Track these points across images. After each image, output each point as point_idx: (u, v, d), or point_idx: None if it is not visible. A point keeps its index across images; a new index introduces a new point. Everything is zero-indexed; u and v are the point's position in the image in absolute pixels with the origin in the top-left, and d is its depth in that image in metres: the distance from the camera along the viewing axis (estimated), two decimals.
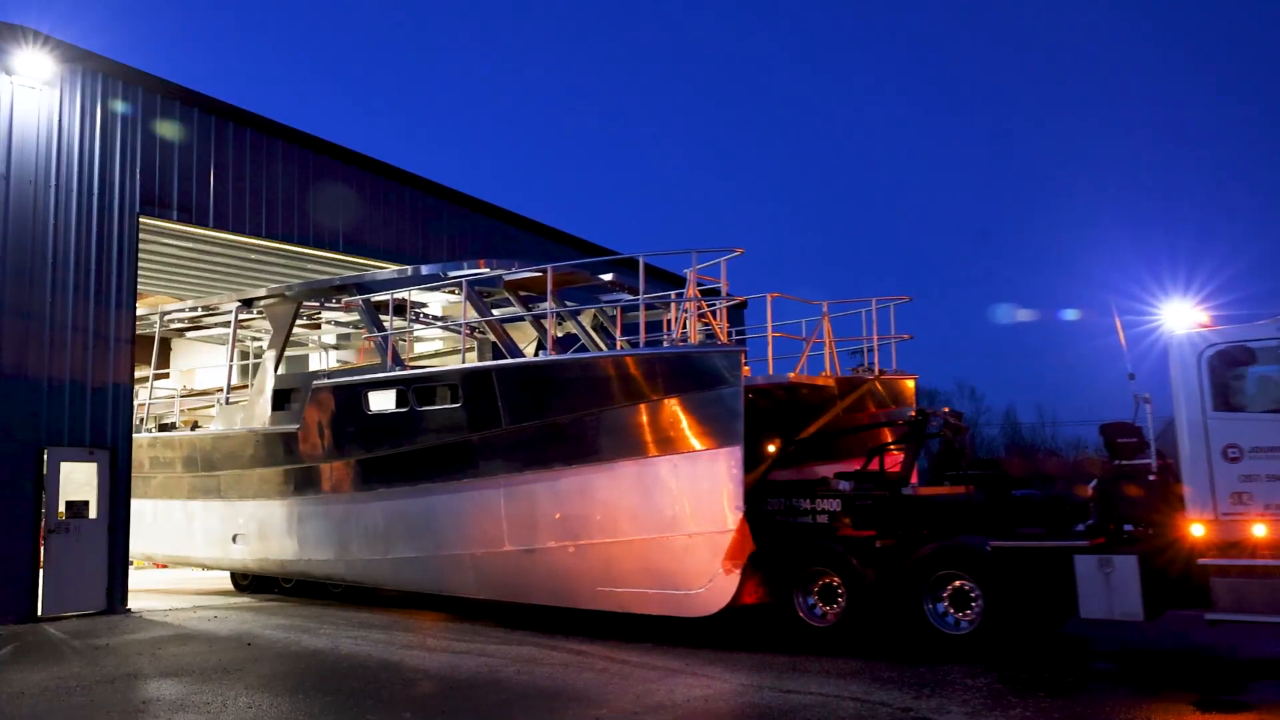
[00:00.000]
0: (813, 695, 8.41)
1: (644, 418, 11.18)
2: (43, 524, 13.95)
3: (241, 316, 18.19)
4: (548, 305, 13.44)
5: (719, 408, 10.69)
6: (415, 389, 13.24)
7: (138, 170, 15.45)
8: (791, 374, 12.58)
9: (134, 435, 17.99)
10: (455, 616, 14.02)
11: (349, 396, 14.04)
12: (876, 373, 13.36)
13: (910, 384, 13.99)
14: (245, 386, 23.05)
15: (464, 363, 13.39)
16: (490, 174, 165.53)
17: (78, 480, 14.51)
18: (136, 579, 17.72)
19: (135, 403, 20.13)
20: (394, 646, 11.40)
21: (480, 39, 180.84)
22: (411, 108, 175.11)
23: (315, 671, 9.94)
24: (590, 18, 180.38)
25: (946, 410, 12.79)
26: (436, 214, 20.56)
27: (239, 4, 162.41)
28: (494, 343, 18.98)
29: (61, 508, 14.24)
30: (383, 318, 15.00)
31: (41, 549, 13.90)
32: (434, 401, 13.18)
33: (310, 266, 19.28)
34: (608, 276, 15.62)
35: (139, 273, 15.74)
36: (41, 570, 13.89)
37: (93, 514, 14.55)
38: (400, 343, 20.02)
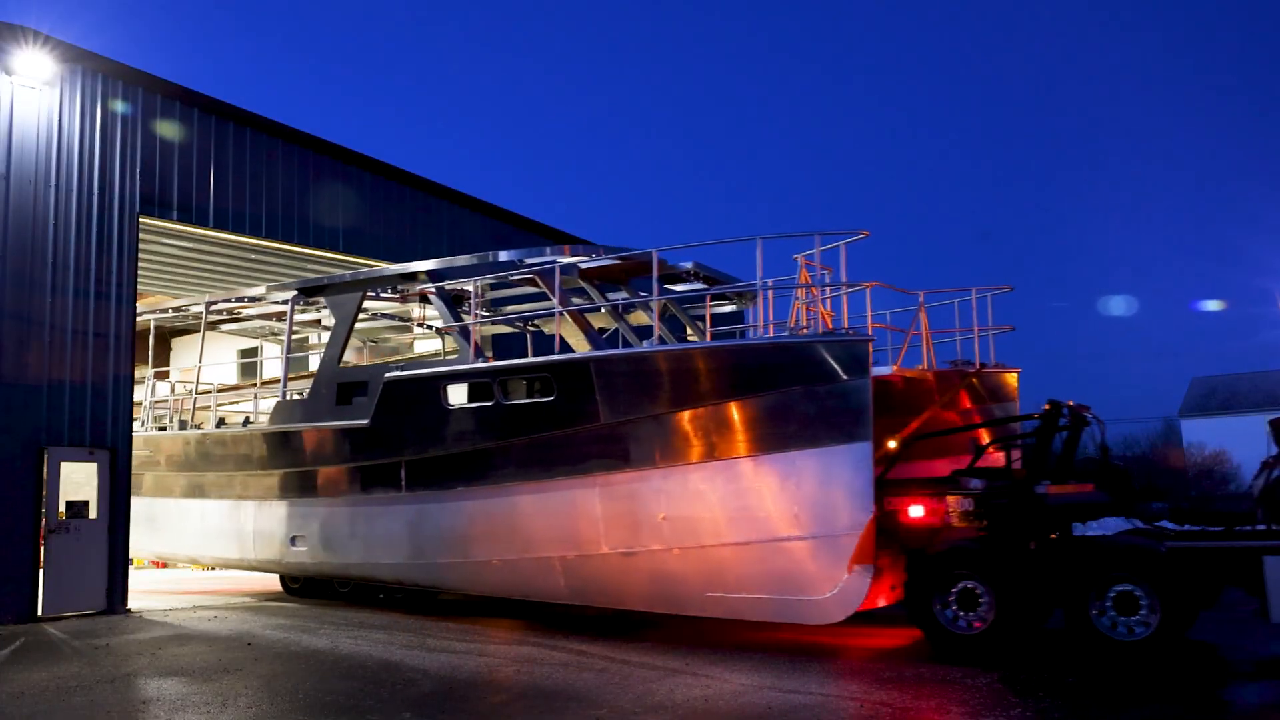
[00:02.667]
0: (813, 695, 8.40)
1: (762, 412, 10.41)
2: (43, 524, 13.95)
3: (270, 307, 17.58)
4: (651, 292, 12.19)
5: (845, 401, 9.99)
6: (501, 381, 12.38)
7: (138, 170, 15.45)
8: (894, 366, 11.81)
9: (179, 432, 17.59)
10: (455, 616, 14.01)
11: (426, 390, 13.15)
12: (976, 366, 12.57)
13: (1013, 378, 13.20)
14: (275, 381, 22.94)
15: (558, 352, 12.39)
16: (490, 174, 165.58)
17: (77, 480, 14.51)
18: (136, 579, 17.70)
19: (173, 397, 19.95)
20: (394, 646, 11.39)
21: (482, 39, 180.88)
22: (412, 108, 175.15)
23: (315, 671, 9.93)
24: (594, 17, 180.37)
25: (1073, 404, 11.65)
26: (436, 214, 20.57)
27: (239, 4, 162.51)
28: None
29: (61, 508, 14.24)
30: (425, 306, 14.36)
31: (41, 549, 13.91)
32: (522, 395, 12.38)
33: (310, 266, 19.28)
34: (688, 265, 14.68)
35: (139, 273, 15.74)
36: (41, 570, 13.89)
37: (93, 514, 14.55)
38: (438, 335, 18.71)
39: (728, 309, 17.50)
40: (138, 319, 19.01)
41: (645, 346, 11.86)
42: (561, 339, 17.09)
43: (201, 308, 18.23)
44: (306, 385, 21.59)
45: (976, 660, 9.71)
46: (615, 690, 8.73)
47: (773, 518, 10.40)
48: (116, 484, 14.81)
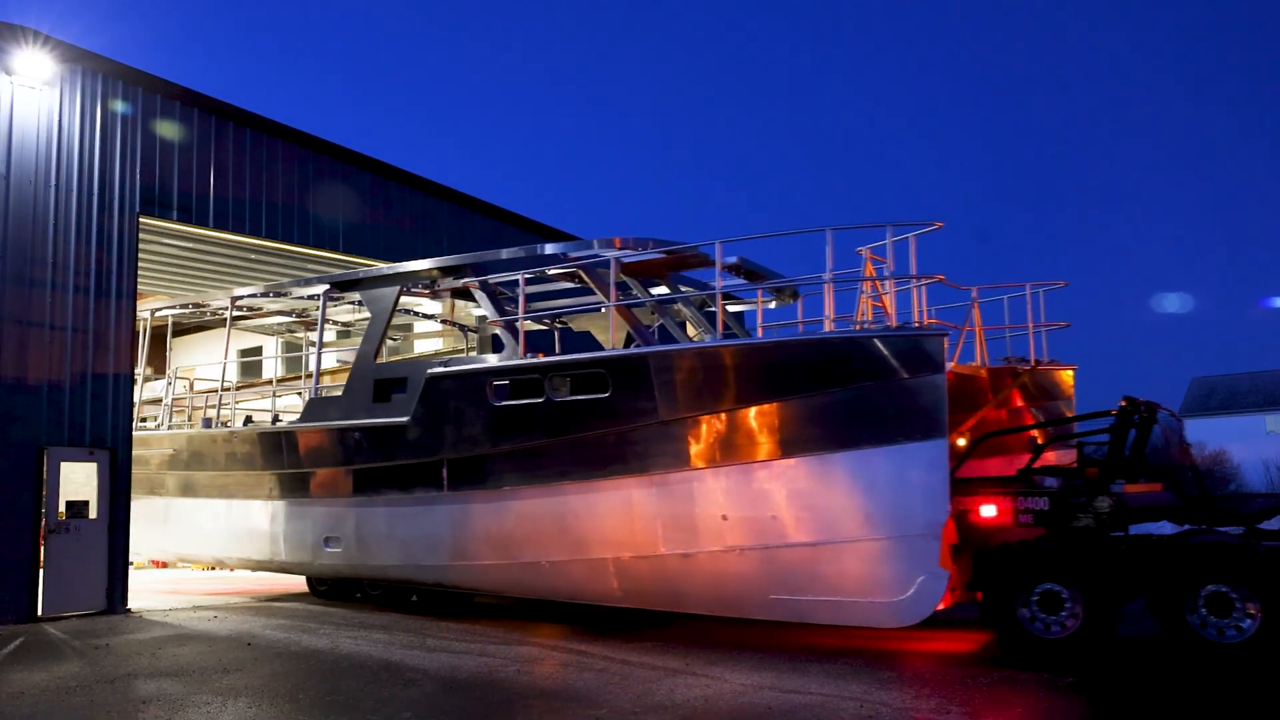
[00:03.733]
0: (813, 695, 8.40)
1: (832, 408, 10.05)
2: (43, 524, 13.95)
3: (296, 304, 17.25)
4: (718, 288, 11.66)
5: (921, 397, 9.67)
6: (552, 378, 11.93)
7: (138, 170, 15.45)
8: (951, 363, 11.38)
9: (206, 430, 17.00)
10: (455, 617, 14.01)
11: (471, 386, 12.66)
12: (1031, 363, 12.18)
13: (1069, 375, 12.83)
14: (295, 378, 22.69)
15: (614, 348, 11.97)
16: (491, 174, 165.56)
17: (77, 480, 14.51)
18: (136, 579, 17.69)
19: (192, 395, 19.56)
20: (394, 646, 11.39)
21: (483, 39, 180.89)
22: (412, 108, 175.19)
23: (315, 671, 9.93)
24: (594, 19, 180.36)
25: (1146, 402, 11.28)
26: (436, 214, 20.56)
27: (239, 4, 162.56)
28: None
29: (61, 508, 14.24)
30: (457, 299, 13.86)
31: (41, 549, 13.91)
32: (575, 391, 11.91)
33: (310, 266, 19.29)
34: (733, 259, 14.11)
35: (139, 272, 15.74)
36: (41, 570, 13.89)
37: (93, 514, 14.54)
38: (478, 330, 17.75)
39: (747, 307, 17.02)
40: (156, 315, 19.02)
41: (707, 341, 11.50)
42: (591, 335, 16.77)
43: (226, 302, 17.67)
44: (305, 385, 21.53)
45: (1062, 666, 9.42)
46: (615, 690, 8.73)
47: (843, 518, 10.07)
48: (116, 484, 14.80)
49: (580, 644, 11.36)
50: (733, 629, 11.88)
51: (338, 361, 22.57)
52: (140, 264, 15.87)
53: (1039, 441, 11.65)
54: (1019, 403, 12.42)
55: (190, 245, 17.61)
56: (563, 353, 12.39)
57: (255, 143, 17.09)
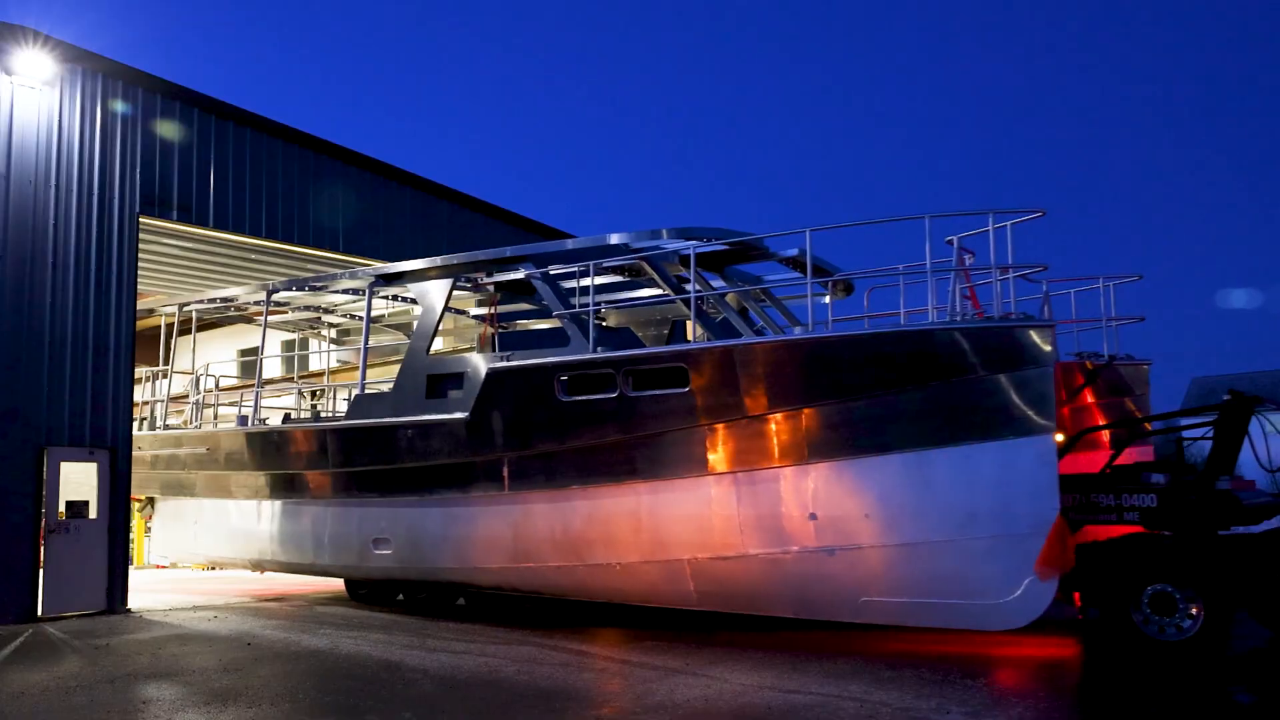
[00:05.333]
0: (813, 695, 8.40)
1: (932, 402, 9.69)
2: (43, 524, 13.96)
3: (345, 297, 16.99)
4: (808, 278, 11.21)
5: (1027, 390, 9.34)
6: (626, 372, 11.37)
7: (138, 170, 15.45)
8: None
9: (242, 428, 16.31)
10: (455, 617, 14.02)
11: (537, 381, 12.06)
12: (1106, 358, 11.92)
13: (1144, 370, 12.63)
14: (313, 375, 22.42)
15: (696, 340, 11.50)
16: (491, 173, 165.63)
17: (76, 480, 14.52)
18: (136, 579, 17.70)
19: (217, 391, 19.37)
20: (394, 646, 11.40)
21: (483, 38, 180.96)
22: (412, 107, 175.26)
23: (315, 671, 9.93)
24: (595, 18, 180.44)
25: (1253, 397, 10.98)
26: (436, 214, 20.57)
27: (239, 4, 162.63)
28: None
29: (61, 508, 14.25)
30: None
31: (41, 549, 13.92)
32: (649, 386, 11.35)
33: (310, 266, 19.30)
34: (792, 251, 13.53)
35: (139, 272, 15.74)
36: (41, 570, 13.91)
37: (93, 514, 14.55)
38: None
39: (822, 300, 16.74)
40: (182, 310, 18.98)
41: (796, 333, 11.21)
42: (630, 330, 16.66)
43: (262, 296, 17.21)
44: (312, 384, 21.47)
45: (1186, 669, 9.13)
46: (615, 690, 8.74)
47: (944, 516, 9.70)
48: (116, 484, 14.80)
49: (580, 644, 11.36)
50: (733, 629, 11.87)
51: (338, 362, 22.56)
52: (140, 264, 15.89)
53: (1122, 438, 11.42)
54: (1090, 399, 12.16)
55: (190, 245, 17.61)
56: (605, 348, 12.02)
57: (255, 143, 17.10)
